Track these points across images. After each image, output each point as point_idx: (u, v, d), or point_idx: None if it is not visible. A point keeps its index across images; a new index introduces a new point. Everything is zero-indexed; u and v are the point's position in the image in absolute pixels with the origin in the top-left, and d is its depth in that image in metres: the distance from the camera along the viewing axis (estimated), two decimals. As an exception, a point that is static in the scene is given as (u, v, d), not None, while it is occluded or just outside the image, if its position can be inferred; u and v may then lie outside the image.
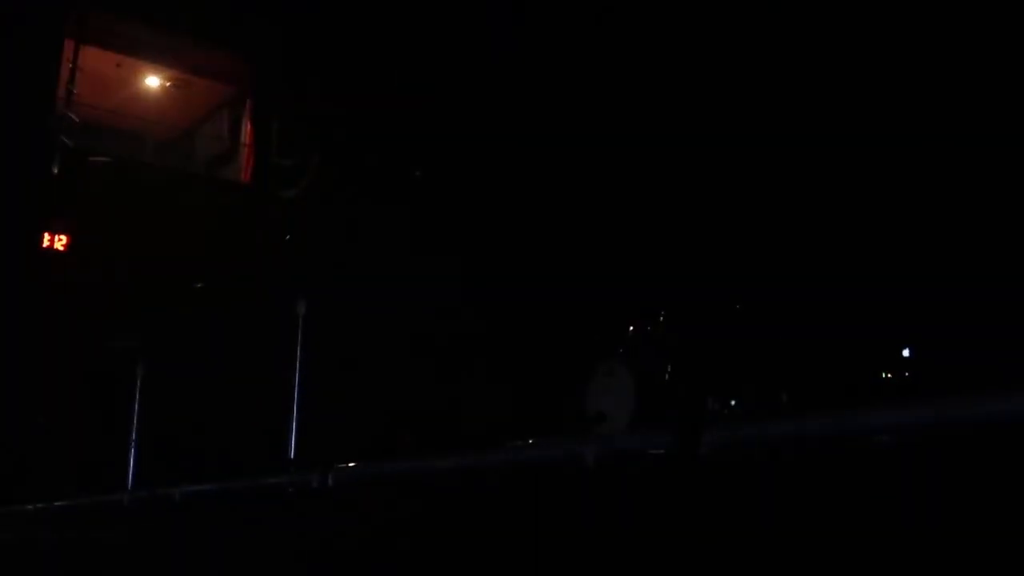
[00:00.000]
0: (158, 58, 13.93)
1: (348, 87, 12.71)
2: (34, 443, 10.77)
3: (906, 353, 6.60)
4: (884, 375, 6.55)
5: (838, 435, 2.02)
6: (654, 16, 8.66)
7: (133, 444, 7.85)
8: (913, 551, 1.68)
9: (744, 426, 2.45)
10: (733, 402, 6.95)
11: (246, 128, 14.66)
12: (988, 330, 6.04)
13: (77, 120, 12.51)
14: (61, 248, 12.01)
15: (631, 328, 7.99)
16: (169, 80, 14.60)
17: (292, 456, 5.73)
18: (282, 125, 14.08)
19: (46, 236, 11.89)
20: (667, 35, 8.62)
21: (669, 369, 7.60)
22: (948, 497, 1.74)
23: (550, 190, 9.52)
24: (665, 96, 8.55)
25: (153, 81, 14.68)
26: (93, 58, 13.23)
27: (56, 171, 12.00)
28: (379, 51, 12.03)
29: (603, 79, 9.26)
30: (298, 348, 5.88)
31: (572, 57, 9.45)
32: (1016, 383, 1.83)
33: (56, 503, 7.04)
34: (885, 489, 1.83)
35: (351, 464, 3.38)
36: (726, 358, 7.07)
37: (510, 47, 10.05)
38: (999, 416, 1.72)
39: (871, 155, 7.17)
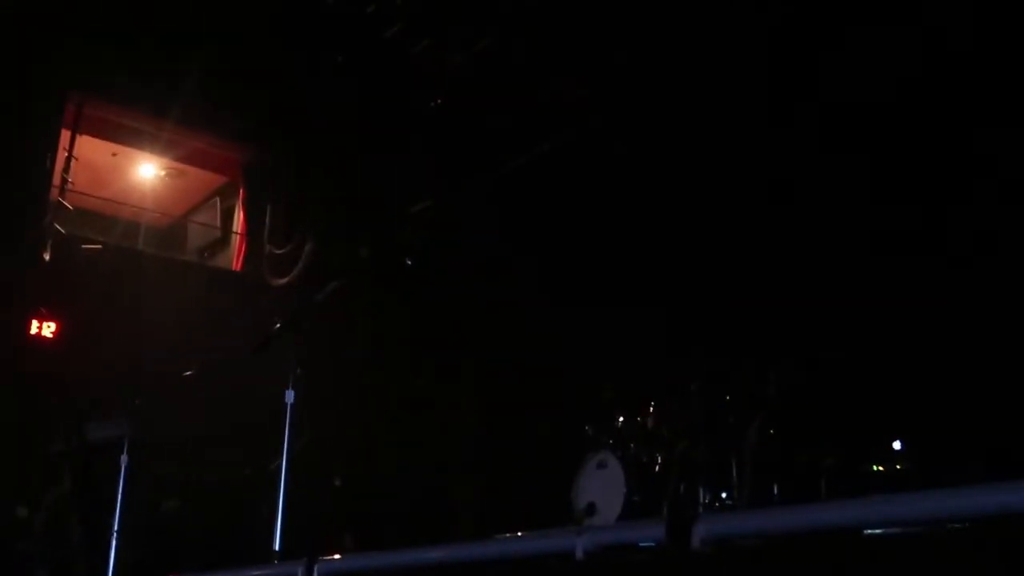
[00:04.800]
0: (153, 148, 14.08)
1: (342, 176, 12.85)
2: (16, 534, 10.58)
3: (897, 445, 6.58)
4: (875, 467, 6.52)
5: (832, 528, 2.00)
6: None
7: (115, 534, 7.72)
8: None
9: (735, 519, 2.42)
10: (724, 495, 6.89)
11: (239, 216, 14.76)
12: (980, 423, 6.02)
13: (71, 208, 12.59)
14: (50, 335, 11.96)
15: (621, 419, 7.95)
16: (163, 169, 14.74)
17: (278, 548, 5.63)
18: (275, 214, 14.19)
19: (34, 323, 11.85)
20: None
21: (660, 461, 7.55)
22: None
23: (537, 280, 9.57)
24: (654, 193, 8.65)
25: (147, 170, 14.82)
26: (89, 147, 13.37)
27: (48, 258, 12.03)
28: (373, 139, 12.19)
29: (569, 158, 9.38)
30: (286, 436, 5.82)
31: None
32: (1010, 475, 1.82)
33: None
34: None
35: (336, 556, 3.32)
36: (718, 450, 7.03)
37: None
38: (996, 508, 1.71)
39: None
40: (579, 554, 2.34)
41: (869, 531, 1.97)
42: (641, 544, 2.32)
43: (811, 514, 2.08)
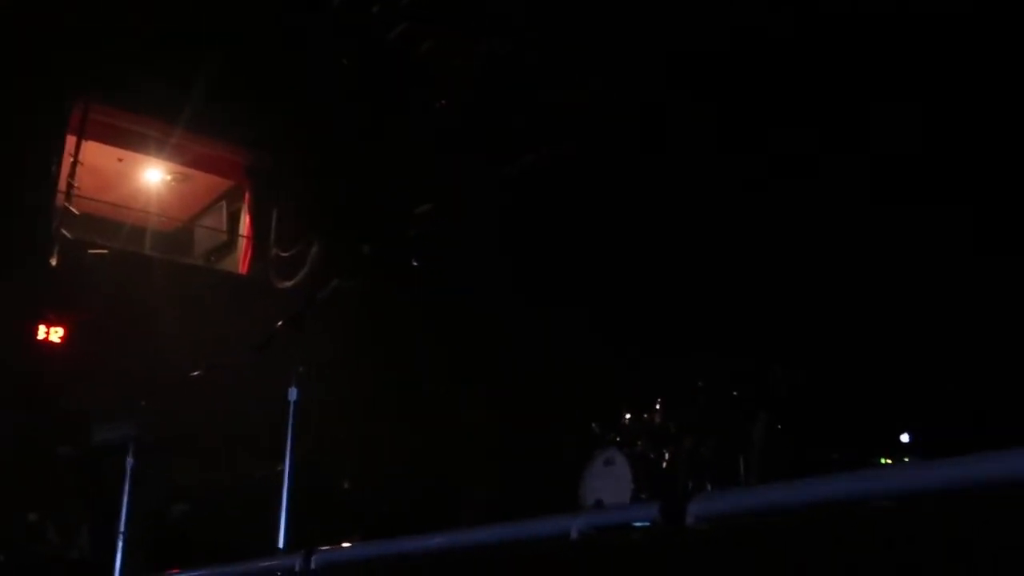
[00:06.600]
0: (159, 152, 14.10)
1: (347, 178, 12.86)
2: (30, 538, 10.61)
3: (904, 438, 6.54)
4: (883, 460, 6.48)
5: (827, 502, 1.97)
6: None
7: (121, 536, 7.71)
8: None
9: (731, 496, 2.39)
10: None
11: (245, 220, 14.78)
12: (987, 414, 5.98)
13: (77, 213, 12.61)
14: (57, 340, 11.97)
15: (628, 416, 7.92)
16: (169, 173, 14.76)
17: (281, 546, 5.61)
18: (280, 217, 14.20)
19: (42, 327, 11.86)
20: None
21: (667, 458, 7.52)
22: (946, 565, 1.69)
23: (547, 277, 9.55)
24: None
25: (154, 175, 14.84)
26: (95, 152, 13.40)
27: (55, 262, 12.05)
28: (380, 142, 12.19)
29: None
30: (289, 436, 5.80)
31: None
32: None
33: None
34: (877, 557, 1.77)
35: (333, 547, 3.31)
36: (725, 447, 7.00)
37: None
38: (987, 477, 1.69)
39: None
40: (574, 534, 2.32)
41: (865, 504, 1.95)
42: (635, 523, 2.30)
43: (807, 489, 2.05)
